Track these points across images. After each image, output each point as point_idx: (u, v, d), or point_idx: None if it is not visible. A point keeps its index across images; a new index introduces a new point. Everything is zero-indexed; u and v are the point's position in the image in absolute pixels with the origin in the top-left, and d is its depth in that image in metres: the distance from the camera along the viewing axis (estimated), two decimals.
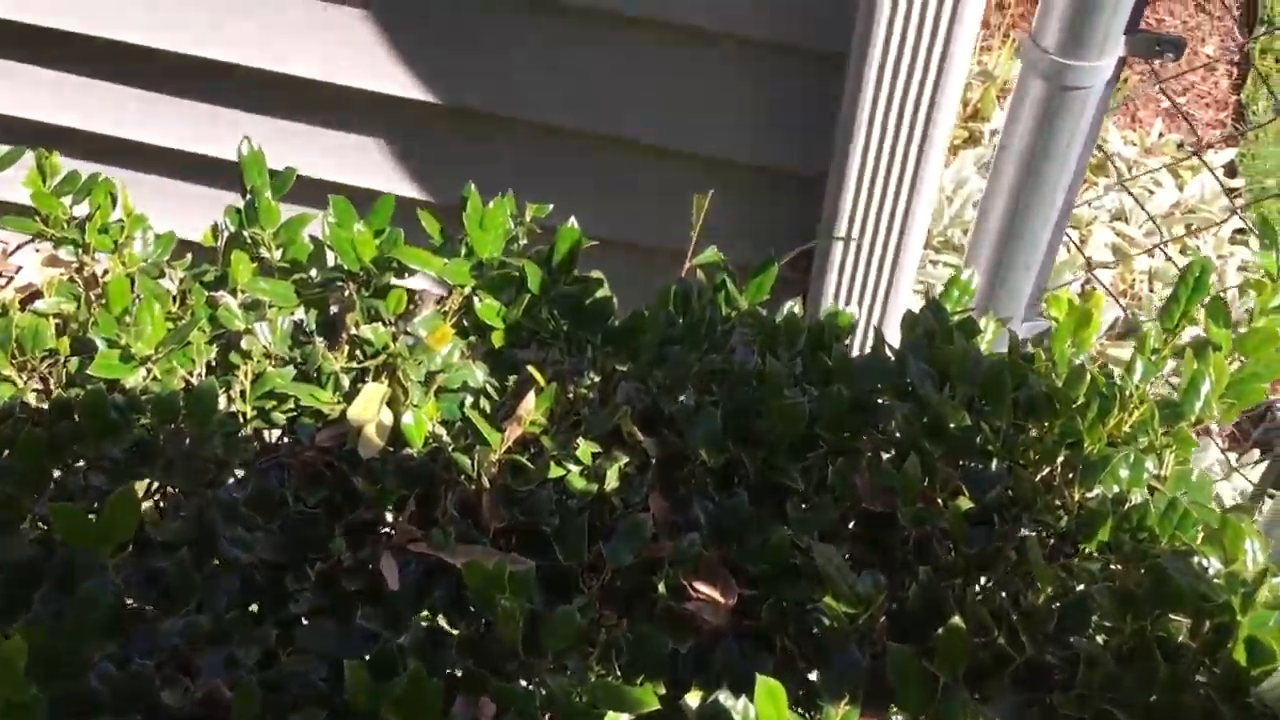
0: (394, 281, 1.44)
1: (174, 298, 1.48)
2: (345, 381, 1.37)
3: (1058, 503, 1.27)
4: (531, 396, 1.30)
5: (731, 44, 1.86)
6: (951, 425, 1.27)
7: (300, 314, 1.51)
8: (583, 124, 1.94)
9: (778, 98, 1.88)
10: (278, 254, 1.52)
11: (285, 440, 1.33)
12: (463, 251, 1.47)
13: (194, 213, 1.56)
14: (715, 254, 1.55)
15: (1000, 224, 1.93)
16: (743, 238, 1.85)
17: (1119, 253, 3.29)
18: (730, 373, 1.37)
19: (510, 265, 1.44)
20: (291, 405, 1.35)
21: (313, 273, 1.52)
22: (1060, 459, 1.29)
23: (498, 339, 1.43)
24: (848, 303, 2.00)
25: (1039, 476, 1.30)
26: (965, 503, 1.24)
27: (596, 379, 1.40)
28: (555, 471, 1.28)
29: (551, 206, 1.56)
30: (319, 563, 1.20)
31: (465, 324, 1.46)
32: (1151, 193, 3.49)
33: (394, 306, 1.41)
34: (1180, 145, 3.69)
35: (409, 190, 2.01)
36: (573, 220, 1.44)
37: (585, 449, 1.29)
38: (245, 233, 1.51)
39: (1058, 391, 1.31)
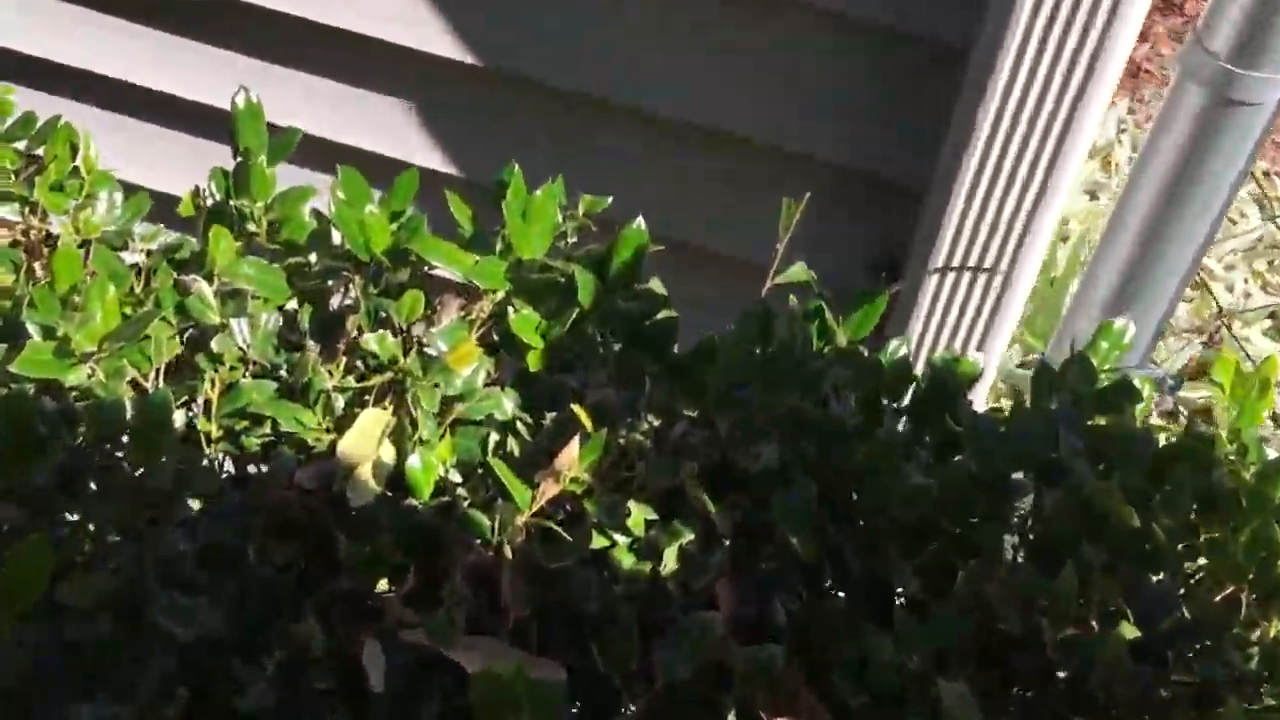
0: (409, 279, 1.15)
1: (139, 277, 1.19)
2: (339, 403, 1.09)
3: (1248, 635, 0.97)
4: (575, 444, 1.01)
5: (828, 21, 1.56)
6: (1115, 523, 0.98)
7: (293, 309, 1.22)
8: (644, 105, 1.64)
9: (880, 91, 1.59)
10: (271, 233, 1.24)
11: (258, 473, 1.04)
12: (498, 247, 1.18)
13: (194, 173, 1.29)
14: (804, 271, 1.26)
15: (1127, 252, 1.63)
16: (824, 253, 1.56)
17: (1196, 285, 2.99)
18: (825, 427, 1.08)
19: (555, 269, 1.15)
20: (269, 429, 1.06)
21: (312, 258, 1.23)
22: (1250, 576, 0.99)
23: (534, 361, 1.14)
24: (935, 343, 1.71)
25: (1220, 597, 1.00)
26: (1129, 630, 0.94)
27: (654, 421, 1.11)
28: (598, 542, 1.00)
29: (610, 200, 1.27)
30: (280, 648, 0.92)
31: (495, 339, 1.17)
32: (1234, 222, 3.20)
33: (408, 311, 1.12)
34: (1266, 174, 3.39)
35: (437, 163, 1.72)
36: (640, 221, 1.15)
37: (638, 516, 1.00)
38: (231, 203, 1.22)
39: (1247, 486, 1.02)
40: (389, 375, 1.09)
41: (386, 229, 1.16)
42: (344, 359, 1.11)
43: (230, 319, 1.12)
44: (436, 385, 1.08)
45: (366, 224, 1.14)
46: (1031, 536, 1.03)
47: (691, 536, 0.99)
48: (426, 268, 1.19)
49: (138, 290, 1.18)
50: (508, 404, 1.12)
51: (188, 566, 0.95)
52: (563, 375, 1.17)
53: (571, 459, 1.01)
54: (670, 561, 0.99)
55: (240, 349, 1.12)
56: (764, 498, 1.04)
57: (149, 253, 1.22)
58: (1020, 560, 0.98)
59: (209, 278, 1.16)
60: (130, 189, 1.31)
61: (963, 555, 0.98)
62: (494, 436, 1.09)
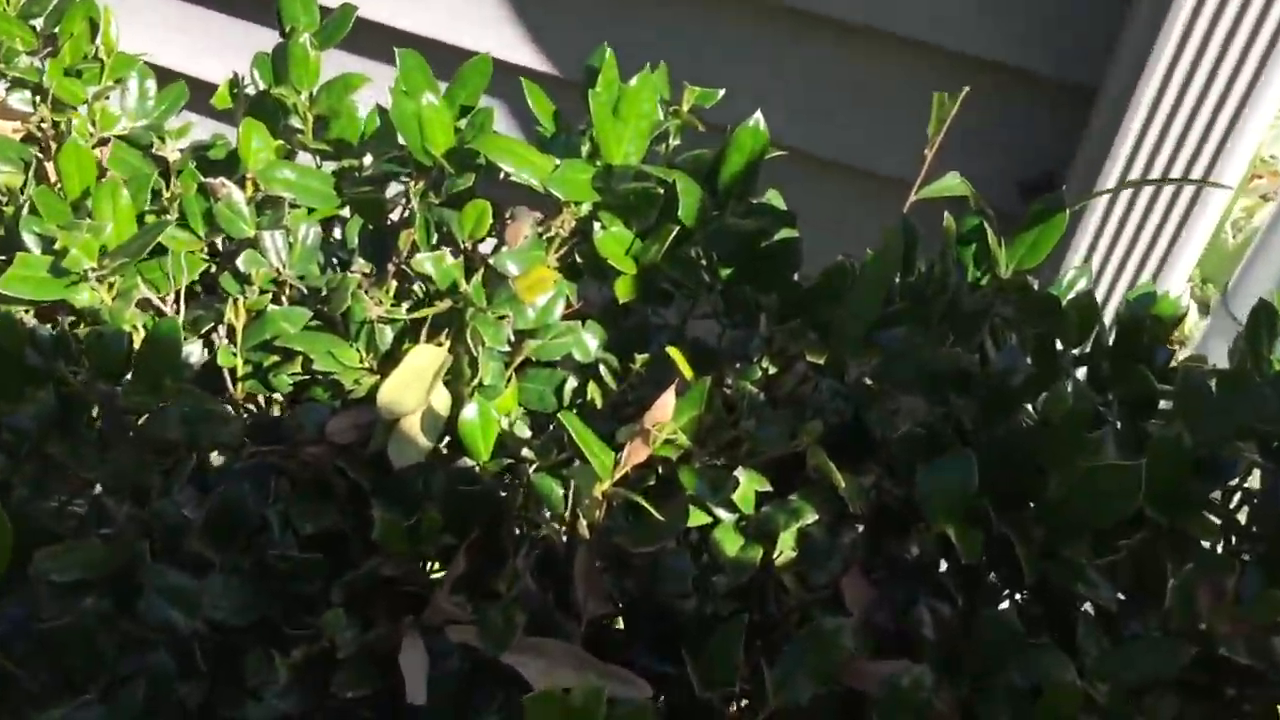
0: (475, 187, 0.95)
1: (166, 182, 1.01)
2: (386, 337, 0.89)
3: None
4: (670, 397, 0.80)
5: None
6: None
7: (339, 225, 1.03)
8: None
9: None
10: (318, 130, 1.04)
11: (283, 421, 0.86)
12: (584, 150, 0.97)
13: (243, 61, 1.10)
14: (959, 182, 1.03)
15: None
16: (973, 169, 1.32)
17: None
18: (987, 382, 0.86)
19: (652, 178, 0.94)
20: (300, 368, 0.88)
21: (366, 160, 1.04)
22: None
23: (624, 289, 0.93)
24: (1098, 278, 1.46)
25: None
26: None
27: (769, 369, 0.90)
28: (697, 520, 0.79)
29: (722, 93, 1.05)
30: (302, 642, 0.74)
31: (577, 261, 0.97)
32: None
33: (472, 225, 0.92)
34: None
35: (523, 57, 1.50)
36: (758, 118, 0.93)
37: (748, 487, 0.80)
38: (273, 92, 1.03)
39: None
40: (446, 304, 0.89)
41: (449, 125, 0.95)
42: (394, 283, 0.92)
43: (263, 231, 0.94)
44: (503, 317, 0.89)
45: (425, 118, 0.94)
46: (1255, 529, 0.80)
47: (814, 517, 0.78)
48: (499, 175, 0.98)
49: (165, 196, 1.00)
50: (590, 341, 0.92)
51: (195, 537, 0.77)
52: (658, 308, 0.96)
53: (666, 414, 0.80)
54: (786, 548, 0.78)
55: (272, 268, 0.93)
56: (907, 470, 0.83)
57: (179, 154, 1.04)
58: (1244, 562, 0.76)
59: (241, 183, 0.97)
60: (167, 76, 1.13)
61: (1171, 554, 0.75)
62: (571, 382, 0.89)
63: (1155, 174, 1.33)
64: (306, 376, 0.88)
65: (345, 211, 1.01)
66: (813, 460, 0.81)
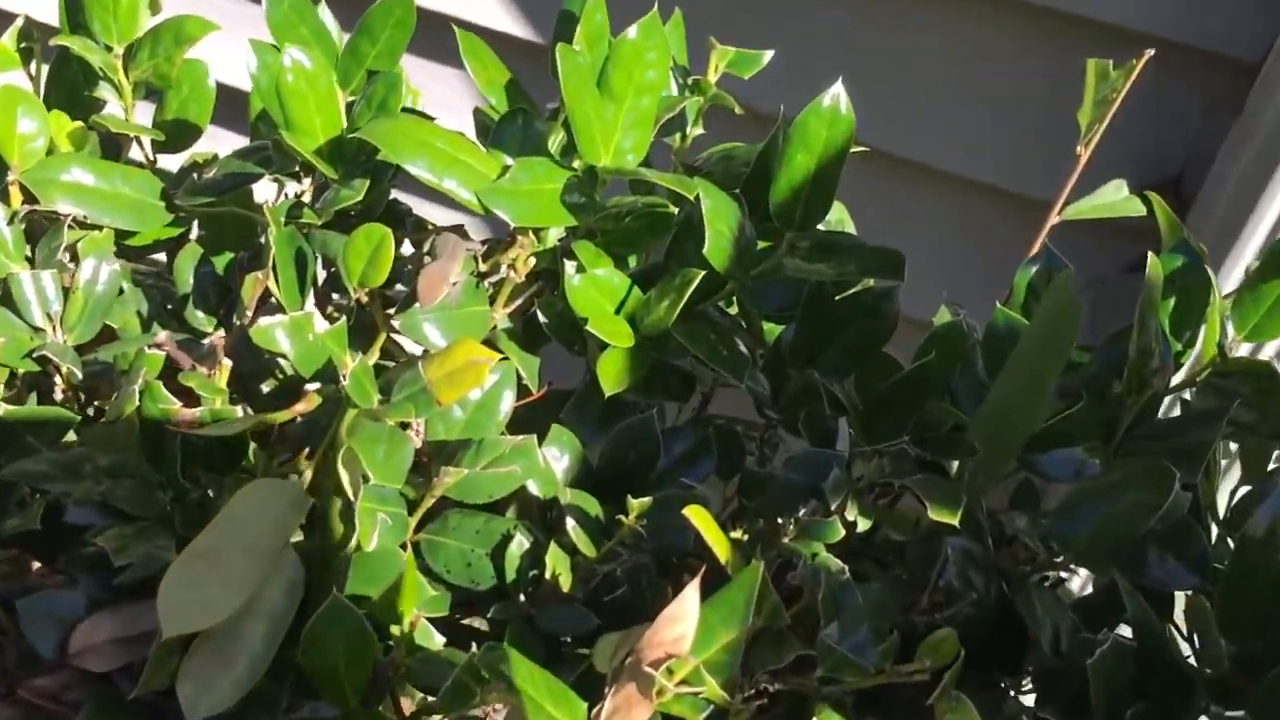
0: (374, 199, 0.58)
1: None
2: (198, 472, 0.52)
3: None
4: (686, 605, 0.43)
5: None
6: None
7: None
8: None
9: None
10: (143, 100, 0.68)
11: None
12: (553, 142, 0.60)
13: None
14: (1128, 198, 0.67)
15: None
16: (1126, 162, 0.95)
17: None
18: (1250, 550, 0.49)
19: (661, 191, 0.57)
20: (40, 521, 0.51)
21: (222, 153, 0.67)
22: None
23: (613, 372, 0.56)
24: None
25: None
26: None
27: (856, 519, 0.53)
28: None
29: (769, 56, 0.67)
30: None
31: (538, 322, 0.60)
32: None
33: (361, 265, 0.55)
34: None
35: (502, 21, 1.11)
36: (837, 94, 0.55)
37: None
38: (68, 43, 0.66)
39: None
40: (310, 401, 0.53)
41: (330, 98, 0.58)
42: (227, 362, 0.55)
43: (18, 273, 0.57)
44: (406, 425, 0.52)
45: (285, 87, 0.57)
46: None
47: None
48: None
49: None
50: (556, 464, 0.55)
51: None
52: (666, 402, 0.60)
53: (681, 637, 0.43)
54: None
55: (30, 328, 0.56)
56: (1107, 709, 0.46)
57: None
58: None
59: (3, 194, 0.60)
60: None
61: None
62: (520, 542, 0.52)
63: None
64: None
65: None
66: (944, 708, 0.45)
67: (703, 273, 0.56)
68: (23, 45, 0.69)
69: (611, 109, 0.58)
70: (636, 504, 0.50)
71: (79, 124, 0.65)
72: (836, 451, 0.54)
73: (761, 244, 0.58)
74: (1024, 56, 0.93)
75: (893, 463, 0.52)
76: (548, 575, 0.50)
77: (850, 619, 0.48)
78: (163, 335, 0.55)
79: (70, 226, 0.60)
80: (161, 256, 0.68)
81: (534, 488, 0.55)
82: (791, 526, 0.52)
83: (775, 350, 0.62)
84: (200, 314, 0.62)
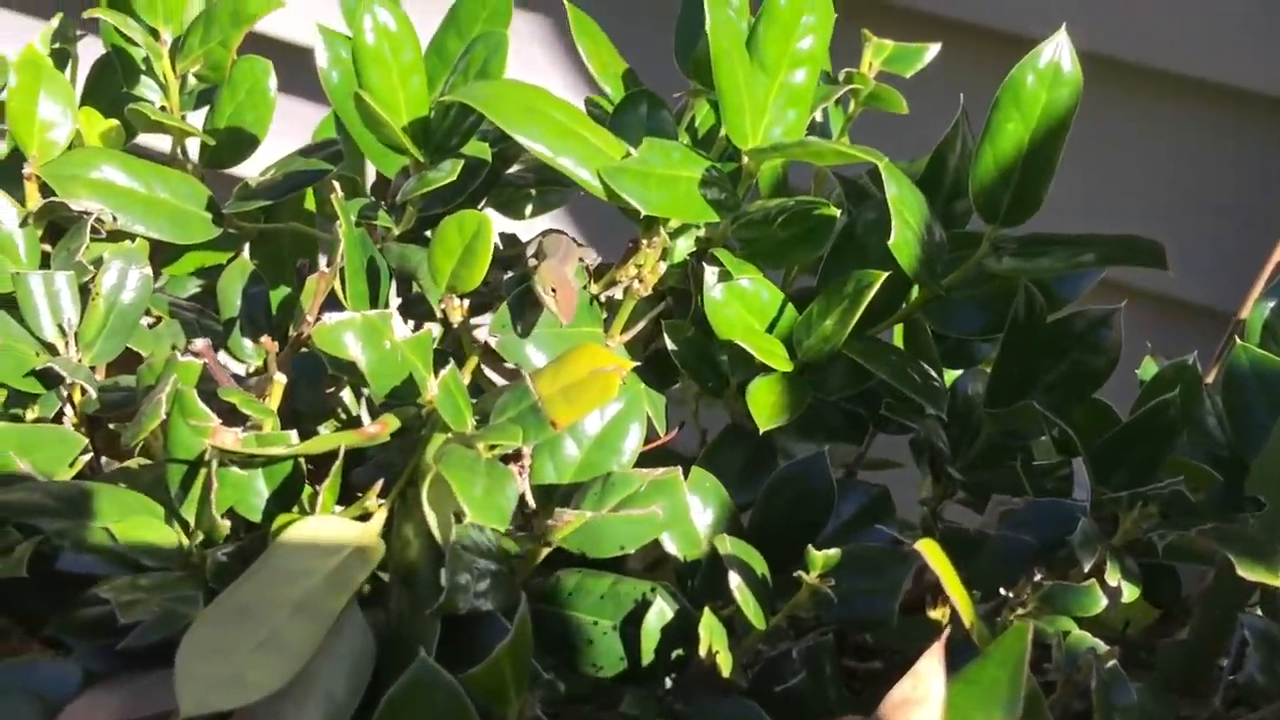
0: (461, 187, 0.47)
1: None
2: (253, 499, 0.40)
3: None
4: (927, 683, 0.30)
5: None
6: None
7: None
8: None
9: None
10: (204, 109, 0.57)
11: None
12: (686, 121, 0.49)
13: None
14: None
15: None
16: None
17: None
18: None
19: (825, 186, 0.45)
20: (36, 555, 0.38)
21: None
22: None
23: (767, 406, 0.44)
24: None
25: None
26: None
27: (1119, 583, 0.39)
28: None
29: (935, 49, 0.56)
30: None
31: (666, 350, 0.48)
32: None
33: (453, 261, 0.43)
34: None
35: None
36: (1061, 45, 0.44)
37: None
38: (114, 44, 0.56)
39: None
40: (385, 426, 0.40)
41: (421, 72, 0.48)
42: (281, 382, 0.43)
43: (28, 275, 0.45)
44: (508, 458, 0.39)
45: (365, 53, 0.47)
46: None
47: None
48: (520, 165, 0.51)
49: None
50: (700, 516, 0.42)
51: None
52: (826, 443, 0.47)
53: None
54: None
55: (42, 344, 0.45)
56: None
57: None
58: None
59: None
60: None
61: None
62: (662, 610, 0.39)
63: None
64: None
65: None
66: None
67: (885, 274, 0.44)
68: (56, 46, 0.59)
69: (763, 81, 0.47)
70: (820, 556, 0.37)
71: (114, 122, 0.54)
72: (1077, 501, 0.41)
73: (953, 250, 0.47)
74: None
75: (1162, 510, 0.39)
76: (701, 654, 0.37)
77: None
78: (200, 342, 0.43)
79: (96, 234, 0.49)
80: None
81: (671, 545, 0.42)
82: (1026, 598, 0.38)
83: (957, 392, 0.50)
84: (248, 343, 0.51)
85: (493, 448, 0.41)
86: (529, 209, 0.57)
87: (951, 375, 0.52)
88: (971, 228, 0.51)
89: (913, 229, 0.44)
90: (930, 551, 0.34)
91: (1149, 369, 0.54)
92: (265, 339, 0.43)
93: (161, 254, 0.56)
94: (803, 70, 0.48)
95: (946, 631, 0.31)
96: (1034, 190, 0.44)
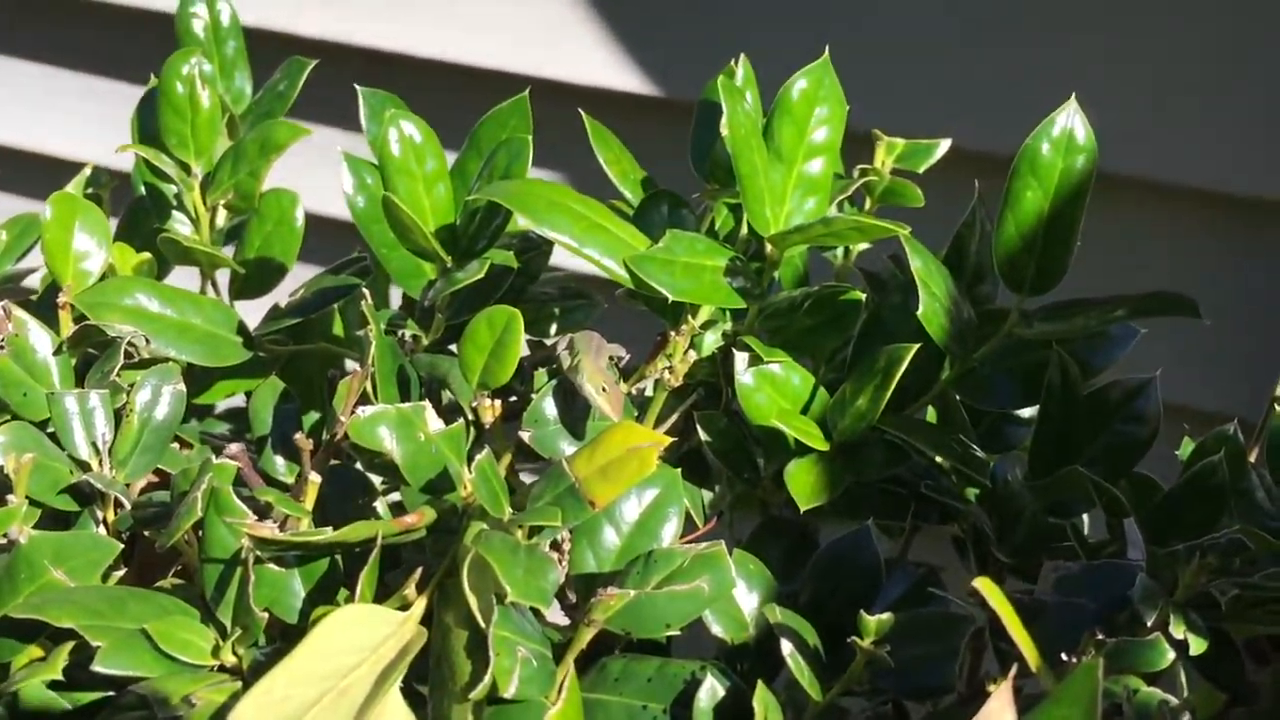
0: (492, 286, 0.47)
1: None
2: (289, 598, 0.39)
3: None
4: None
5: None
6: None
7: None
8: None
9: None
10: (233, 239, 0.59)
11: None
12: (711, 219, 0.50)
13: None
14: None
15: None
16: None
17: None
18: None
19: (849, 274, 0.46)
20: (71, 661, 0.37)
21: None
22: None
23: (807, 486, 0.43)
24: None
25: None
26: None
27: (1174, 650, 0.38)
28: None
29: (946, 145, 0.57)
30: None
31: (701, 444, 0.48)
32: None
33: (484, 356, 0.44)
34: None
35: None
36: (1073, 113, 0.45)
37: None
38: (142, 153, 0.57)
39: None
40: (424, 518, 0.40)
41: (446, 181, 0.49)
42: (318, 481, 0.43)
43: (63, 395, 0.46)
44: (552, 542, 0.39)
45: (394, 161, 0.48)
46: None
47: None
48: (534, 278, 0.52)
49: None
50: (746, 598, 0.41)
51: None
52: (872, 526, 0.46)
53: None
54: None
55: (76, 462, 0.45)
56: None
57: None
58: None
59: (51, 315, 0.50)
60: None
61: None
62: (713, 689, 0.37)
63: None
64: (96, 693, 0.38)
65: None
66: None
67: (916, 346, 0.44)
68: (89, 191, 0.61)
69: (780, 171, 0.48)
70: (874, 621, 0.36)
71: (147, 255, 0.56)
72: (1133, 561, 0.40)
73: (976, 324, 0.47)
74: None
75: (1220, 562, 0.38)
76: None
77: None
78: (235, 446, 0.43)
79: (130, 359, 0.49)
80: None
81: (718, 628, 0.41)
82: (1089, 660, 0.37)
83: (996, 477, 0.49)
84: (280, 461, 0.50)
85: (532, 536, 0.41)
86: (554, 327, 0.58)
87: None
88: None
89: (940, 300, 0.45)
90: (988, 590, 0.33)
91: (1188, 449, 0.54)
92: (299, 436, 0.43)
93: (192, 385, 0.57)
94: (819, 160, 0.49)
95: (1014, 670, 0.30)
96: (1058, 257, 0.45)
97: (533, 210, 0.44)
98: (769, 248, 0.47)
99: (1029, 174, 0.44)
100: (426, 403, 0.43)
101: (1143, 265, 0.84)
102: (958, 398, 0.48)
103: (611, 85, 0.94)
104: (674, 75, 0.92)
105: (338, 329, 0.61)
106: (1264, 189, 0.82)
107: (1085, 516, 0.50)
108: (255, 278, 0.58)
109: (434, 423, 0.42)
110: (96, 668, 0.36)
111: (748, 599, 0.42)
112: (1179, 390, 0.73)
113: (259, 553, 0.38)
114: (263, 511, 0.41)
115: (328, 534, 0.38)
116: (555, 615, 0.43)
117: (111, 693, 0.38)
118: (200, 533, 0.40)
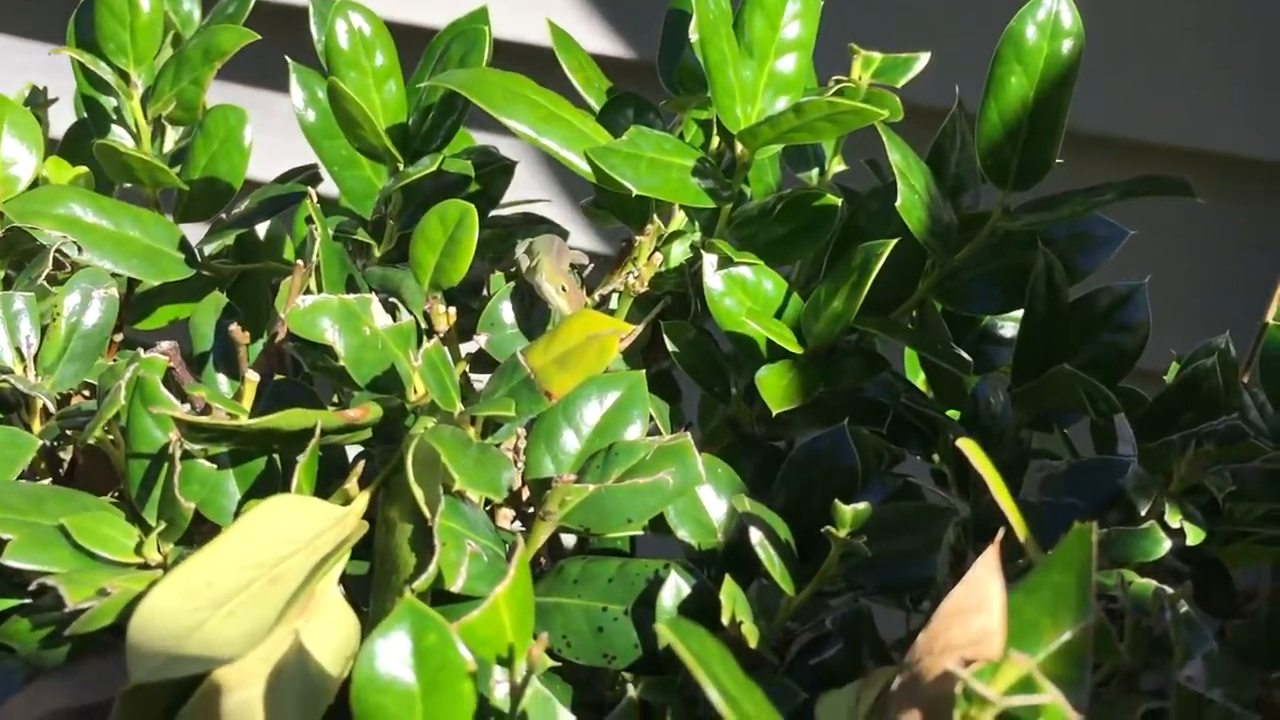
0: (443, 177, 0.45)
1: None
2: (223, 498, 0.37)
3: None
4: (988, 587, 0.26)
5: None
6: None
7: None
8: None
9: None
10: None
11: None
12: (681, 134, 0.48)
13: None
14: None
15: None
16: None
17: None
18: None
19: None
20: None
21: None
22: None
23: (777, 387, 0.41)
24: None
25: None
26: None
27: (1164, 547, 0.36)
28: None
29: (925, 59, 0.55)
30: None
31: (670, 357, 0.45)
32: None
33: (436, 253, 0.41)
34: None
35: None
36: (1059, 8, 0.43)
37: None
38: (79, 58, 0.54)
39: None
40: (368, 412, 0.37)
41: (398, 77, 0.46)
42: (254, 378, 0.40)
43: None
44: (498, 424, 0.36)
45: (343, 54, 0.45)
46: None
47: None
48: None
49: None
50: (712, 500, 0.39)
51: None
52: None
53: (987, 640, 0.26)
54: None
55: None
56: None
57: None
58: None
59: None
60: None
61: None
62: (678, 587, 0.35)
63: None
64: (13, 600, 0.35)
65: None
66: None
67: (895, 240, 0.41)
68: (32, 104, 0.58)
69: (751, 68, 0.45)
70: (850, 511, 0.34)
71: (83, 169, 0.53)
72: (1123, 456, 0.38)
73: (955, 225, 0.44)
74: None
75: (1218, 451, 0.35)
76: (724, 624, 0.33)
77: (1215, 669, 0.30)
78: (165, 344, 0.40)
79: (61, 268, 0.46)
80: None
81: (684, 533, 0.38)
82: None
83: (978, 398, 0.47)
84: (223, 378, 0.47)
85: (486, 438, 0.38)
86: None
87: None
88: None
89: (919, 194, 0.42)
90: (972, 451, 0.30)
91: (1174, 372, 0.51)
92: (235, 327, 0.40)
93: (130, 309, 0.54)
94: (791, 57, 0.46)
95: (1000, 534, 0.28)
96: (1043, 149, 0.42)
97: (489, 98, 0.42)
98: (739, 148, 0.45)
99: (1013, 59, 0.42)
100: (373, 295, 0.40)
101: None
102: (938, 307, 0.46)
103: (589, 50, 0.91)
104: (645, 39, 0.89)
105: (289, 254, 0.58)
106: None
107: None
108: (201, 198, 0.55)
109: (381, 318, 0.40)
110: (5, 560, 0.33)
111: (716, 504, 0.39)
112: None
113: (187, 444, 0.35)
114: (196, 409, 0.38)
115: (261, 420, 0.35)
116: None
117: (29, 599, 0.36)
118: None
